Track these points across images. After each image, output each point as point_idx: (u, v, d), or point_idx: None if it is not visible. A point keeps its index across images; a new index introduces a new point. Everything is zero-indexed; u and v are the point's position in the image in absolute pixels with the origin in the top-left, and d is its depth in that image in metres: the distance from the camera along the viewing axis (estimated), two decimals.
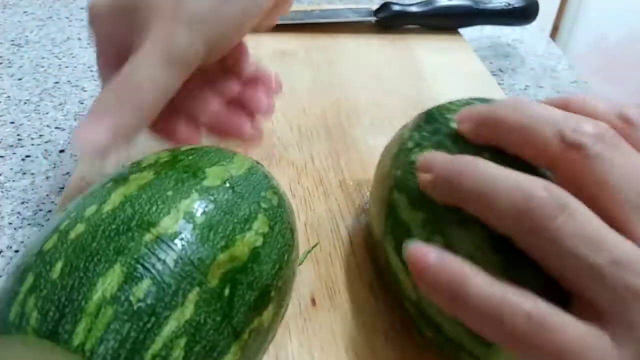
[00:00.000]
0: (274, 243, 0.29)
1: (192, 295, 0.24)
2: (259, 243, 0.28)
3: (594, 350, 0.21)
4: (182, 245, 0.25)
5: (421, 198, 0.28)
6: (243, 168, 0.31)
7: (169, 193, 0.27)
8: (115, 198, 0.27)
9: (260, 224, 0.29)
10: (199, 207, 0.27)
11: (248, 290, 0.26)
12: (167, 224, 0.25)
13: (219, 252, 0.26)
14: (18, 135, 0.49)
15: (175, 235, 0.25)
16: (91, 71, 0.58)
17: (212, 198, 0.28)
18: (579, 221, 0.22)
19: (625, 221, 0.22)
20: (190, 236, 0.25)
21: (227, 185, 0.29)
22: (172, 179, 0.28)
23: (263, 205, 0.30)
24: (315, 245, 0.37)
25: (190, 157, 0.30)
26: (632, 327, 0.21)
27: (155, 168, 0.29)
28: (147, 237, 0.24)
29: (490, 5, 0.64)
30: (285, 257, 0.29)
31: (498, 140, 0.27)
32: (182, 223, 0.26)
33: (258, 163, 0.34)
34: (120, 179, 0.28)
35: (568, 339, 0.21)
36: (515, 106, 0.26)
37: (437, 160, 0.27)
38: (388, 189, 0.32)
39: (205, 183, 0.28)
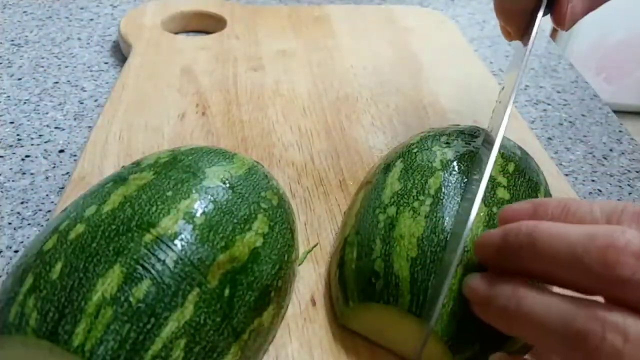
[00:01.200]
0: (274, 243, 0.29)
1: (192, 296, 0.24)
2: (259, 243, 0.28)
3: None
4: (182, 245, 0.25)
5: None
6: (243, 168, 0.31)
7: (169, 193, 0.27)
8: (115, 198, 0.27)
9: (260, 224, 0.28)
10: (198, 207, 0.27)
11: (248, 291, 0.26)
12: (166, 224, 0.25)
13: (219, 253, 0.26)
14: (18, 135, 0.49)
15: (175, 235, 0.25)
16: (91, 71, 0.58)
17: (211, 198, 0.28)
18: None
19: None
20: (190, 237, 0.25)
21: (227, 185, 0.29)
22: (171, 179, 0.28)
23: (263, 205, 0.30)
24: (315, 246, 0.37)
25: (190, 157, 0.30)
26: None
27: (155, 168, 0.29)
28: (147, 237, 0.24)
29: None
30: (285, 257, 0.29)
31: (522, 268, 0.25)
32: (182, 223, 0.26)
33: (258, 163, 0.34)
34: (119, 180, 0.28)
35: None
36: (530, 234, 0.24)
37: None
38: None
39: (205, 183, 0.28)
